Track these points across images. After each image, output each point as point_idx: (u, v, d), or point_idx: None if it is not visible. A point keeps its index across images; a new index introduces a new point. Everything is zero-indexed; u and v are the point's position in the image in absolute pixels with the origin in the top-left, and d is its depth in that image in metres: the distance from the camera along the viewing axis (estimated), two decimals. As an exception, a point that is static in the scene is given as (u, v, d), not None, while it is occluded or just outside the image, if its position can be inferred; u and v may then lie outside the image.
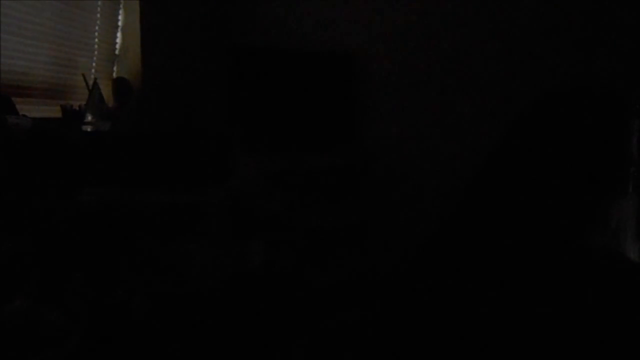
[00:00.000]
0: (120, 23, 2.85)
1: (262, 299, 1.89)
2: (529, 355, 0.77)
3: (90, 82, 2.45)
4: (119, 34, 2.86)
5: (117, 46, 2.86)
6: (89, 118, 2.36)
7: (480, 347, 0.79)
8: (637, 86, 2.40)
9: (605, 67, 2.57)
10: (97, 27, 2.70)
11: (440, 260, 0.88)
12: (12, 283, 1.43)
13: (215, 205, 2.07)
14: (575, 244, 0.83)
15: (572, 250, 0.83)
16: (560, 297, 0.79)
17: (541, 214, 0.83)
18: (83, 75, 2.49)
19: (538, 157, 0.85)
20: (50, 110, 2.37)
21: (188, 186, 2.08)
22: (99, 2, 2.69)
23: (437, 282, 0.86)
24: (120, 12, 2.84)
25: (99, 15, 2.70)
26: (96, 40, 2.71)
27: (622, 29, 2.55)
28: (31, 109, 2.22)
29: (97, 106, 2.41)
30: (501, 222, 0.85)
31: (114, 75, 2.84)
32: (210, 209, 2.04)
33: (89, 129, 2.32)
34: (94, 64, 2.71)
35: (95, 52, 2.71)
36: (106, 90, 2.59)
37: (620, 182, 0.84)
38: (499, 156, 0.91)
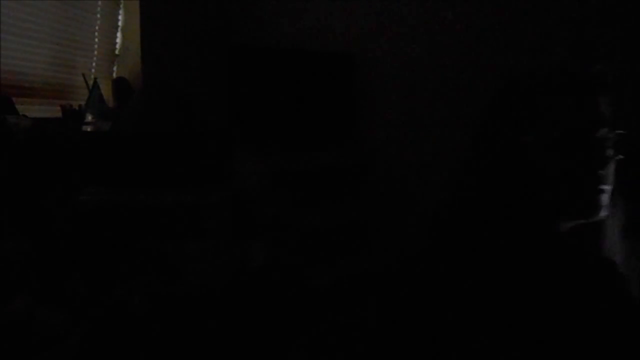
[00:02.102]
0: (120, 23, 2.85)
1: (262, 299, 1.89)
2: (525, 355, 0.77)
3: (90, 82, 2.45)
4: (119, 34, 2.86)
5: (117, 46, 2.86)
6: (89, 118, 2.36)
7: (479, 346, 0.79)
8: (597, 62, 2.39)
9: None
10: (97, 27, 2.70)
11: (438, 260, 0.88)
12: (12, 283, 1.43)
13: (215, 205, 2.07)
14: (556, 238, 0.82)
15: (555, 247, 0.82)
16: (547, 297, 0.78)
17: (520, 208, 0.81)
18: (83, 75, 2.49)
19: (507, 151, 0.85)
20: (50, 110, 2.37)
21: (188, 186, 2.08)
22: (99, 2, 2.69)
23: (434, 282, 0.85)
24: (120, 12, 2.84)
25: (99, 15, 2.70)
26: (96, 40, 2.71)
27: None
28: (31, 109, 2.22)
29: (97, 106, 2.41)
30: (486, 219, 0.84)
31: (114, 75, 2.84)
32: (210, 209, 2.04)
33: (89, 129, 2.32)
34: (94, 64, 2.71)
35: (95, 52, 2.71)
36: (106, 90, 2.59)
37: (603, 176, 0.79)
38: (472, 154, 0.90)
